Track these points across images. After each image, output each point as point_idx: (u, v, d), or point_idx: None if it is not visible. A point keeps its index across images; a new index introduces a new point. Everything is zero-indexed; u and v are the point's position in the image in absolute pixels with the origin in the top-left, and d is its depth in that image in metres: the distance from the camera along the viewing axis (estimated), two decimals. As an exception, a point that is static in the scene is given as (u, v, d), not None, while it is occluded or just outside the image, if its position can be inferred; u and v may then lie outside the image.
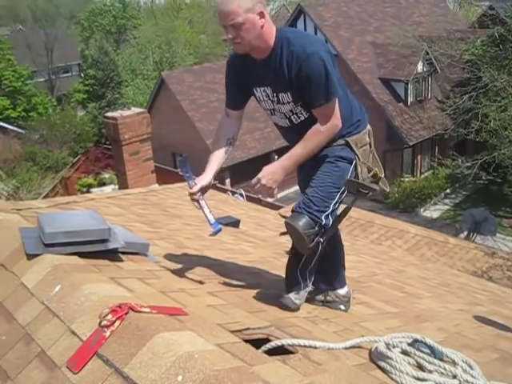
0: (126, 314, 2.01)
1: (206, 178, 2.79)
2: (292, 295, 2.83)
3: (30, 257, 2.62)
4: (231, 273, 3.28)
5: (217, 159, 2.88)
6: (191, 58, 36.90)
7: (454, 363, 2.32)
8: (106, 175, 25.44)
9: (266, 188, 2.63)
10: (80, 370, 1.93)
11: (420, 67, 24.16)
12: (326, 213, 2.65)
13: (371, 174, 2.78)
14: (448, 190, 24.32)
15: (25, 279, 2.51)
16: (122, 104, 27.62)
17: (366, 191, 2.80)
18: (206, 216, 2.75)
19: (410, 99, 24.63)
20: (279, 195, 23.68)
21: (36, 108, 36.58)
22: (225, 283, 3.01)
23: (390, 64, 24.56)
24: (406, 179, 24.15)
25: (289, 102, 2.66)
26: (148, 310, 2.07)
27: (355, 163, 2.77)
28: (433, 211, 23.26)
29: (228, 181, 22.38)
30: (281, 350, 2.19)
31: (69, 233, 2.58)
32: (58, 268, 2.44)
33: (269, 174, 2.62)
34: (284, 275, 3.76)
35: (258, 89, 2.76)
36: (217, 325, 2.19)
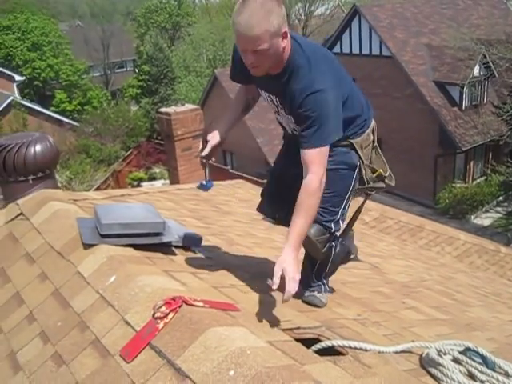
0: (179, 306, 2.04)
1: (217, 135, 2.63)
2: (316, 293, 2.79)
3: (87, 246, 2.68)
4: (281, 271, 3.28)
5: (233, 114, 2.73)
6: (244, 56, 37.02)
7: (507, 375, 2.27)
8: (157, 170, 25.83)
9: (294, 283, 2.15)
10: (133, 360, 1.96)
11: (476, 71, 23.59)
12: (335, 220, 2.58)
13: (375, 174, 2.68)
14: (501, 198, 23.68)
15: (81, 268, 2.58)
16: (174, 100, 28.01)
17: (373, 192, 2.78)
18: (205, 174, 2.78)
19: (465, 103, 24.09)
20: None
21: (91, 102, 37.44)
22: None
23: (445, 67, 24.08)
24: (458, 185, 23.65)
25: (291, 122, 2.49)
26: (201, 304, 2.10)
27: (359, 167, 2.62)
28: (484, 219, 22.70)
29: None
30: (331, 351, 2.18)
31: (125, 225, 2.63)
32: (114, 259, 2.49)
33: (290, 271, 2.14)
34: (332, 276, 3.75)
35: (262, 91, 2.58)
36: (268, 322, 2.20)
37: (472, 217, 22.52)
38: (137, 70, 43.66)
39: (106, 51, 44.32)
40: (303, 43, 2.38)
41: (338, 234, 2.67)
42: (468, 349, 2.38)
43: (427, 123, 23.08)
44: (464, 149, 23.12)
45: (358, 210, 2.92)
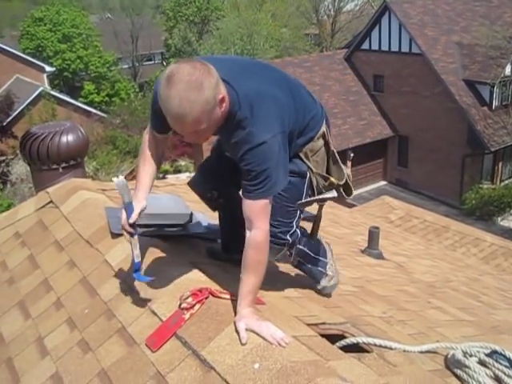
0: (206, 298, 2.05)
1: (141, 202, 2.22)
2: (324, 282, 2.69)
3: (115, 236, 2.71)
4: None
5: (148, 177, 2.31)
6: (272, 52, 36.95)
7: (534, 379, 2.23)
8: (182, 163, 25.95)
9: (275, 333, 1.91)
10: (158, 349, 1.98)
11: (508, 70, 23.18)
12: (291, 232, 2.42)
13: (327, 182, 2.44)
14: (529, 200, 23.30)
15: (108, 257, 2.61)
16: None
17: (325, 202, 2.61)
18: (133, 252, 2.20)
19: (495, 103, 23.71)
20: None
21: (119, 93, 37.74)
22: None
23: (475, 66, 23.73)
24: (485, 186, 23.31)
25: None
26: (227, 296, 2.10)
27: (309, 176, 2.41)
28: (511, 221, 22.37)
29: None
30: (356, 348, 2.17)
31: (152, 215, 2.64)
32: (141, 248, 2.51)
33: (251, 325, 1.91)
34: (357, 273, 3.74)
35: None
36: (293, 317, 2.20)
37: (499, 219, 22.18)
38: (165, 63, 43.85)
39: (134, 44, 44.59)
40: (241, 90, 2.03)
41: (295, 241, 2.47)
42: (495, 351, 2.35)
43: (456, 122, 22.81)
44: (493, 149, 22.78)
45: (318, 218, 2.73)
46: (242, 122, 2.01)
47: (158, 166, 2.36)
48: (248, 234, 2.03)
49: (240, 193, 2.14)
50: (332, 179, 2.45)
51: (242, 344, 1.83)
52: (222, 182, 2.55)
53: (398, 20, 24.30)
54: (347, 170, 2.56)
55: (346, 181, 2.50)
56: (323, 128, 2.42)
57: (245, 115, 2.01)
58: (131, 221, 2.14)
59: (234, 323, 1.93)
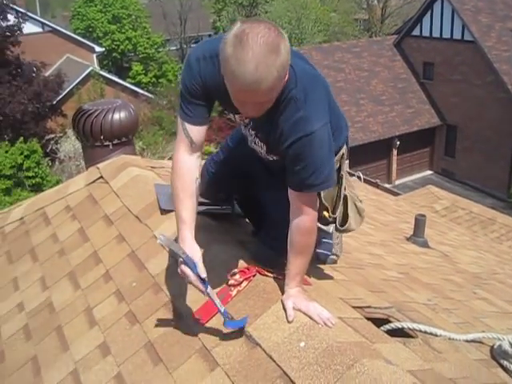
0: (253, 276, 2.07)
1: (195, 248, 1.95)
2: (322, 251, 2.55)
3: (163, 212, 2.75)
4: (352, 250, 3.27)
5: (189, 212, 2.00)
6: (320, 36, 36.58)
7: None
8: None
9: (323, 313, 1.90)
10: (205, 324, 2.01)
11: None
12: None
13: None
14: None
15: (157, 232, 2.64)
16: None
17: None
18: (215, 303, 1.93)
19: (549, 94, 22.99)
20: (397, 182, 23.12)
21: (166, 75, 38.00)
22: (346, 260, 2.99)
23: (531, 54, 23.02)
24: (535, 179, 22.69)
25: (262, 148, 2.09)
26: (274, 275, 2.12)
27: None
28: (561, 216, 21.72)
29: (347, 162, 22.02)
30: (400, 333, 2.16)
31: (200, 193, 2.66)
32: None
33: (299, 305, 1.92)
34: (402, 260, 3.71)
35: (231, 114, 2.07)
36: (339, 299, 2.20)
37: (548, 213, 21.60)
38: (212, 46, 43.79)
39: (183, 26, 44.74)
40: (299, 69, 1.88)
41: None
42: (543, 344, 2.30)
43: (507, 113, 22.17)
44: (545, 142, 22.14)
45: None
46: (295, 102, 1.83)
47: (197, 194, 2.05)
48: (296, 219, 1.95)
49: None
50: (324, 213, 2.25)
51: (289, 322, 1.84)
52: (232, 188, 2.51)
53: (451, 6, 23.67)
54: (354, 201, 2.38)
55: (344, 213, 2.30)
56: (343, 149, 2.25)
57: (299, 96, 1.83)
58: (203, 275, 1.88)
59: (282, 301, 1.94)
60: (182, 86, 2.00)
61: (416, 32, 25.38)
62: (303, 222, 1.94)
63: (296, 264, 1.98)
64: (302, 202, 1.92)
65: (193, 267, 1.87)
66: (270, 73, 1.61)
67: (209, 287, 1.90)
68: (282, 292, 1.98)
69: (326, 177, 1.91)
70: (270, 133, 1.94)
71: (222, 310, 1.90)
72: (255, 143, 2.10)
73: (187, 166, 2.01)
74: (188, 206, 1.99)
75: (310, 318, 1.85)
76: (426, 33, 25.09)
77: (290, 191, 1.94)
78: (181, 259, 1.89)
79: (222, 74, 1.72)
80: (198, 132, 2.00)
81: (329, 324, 1.83)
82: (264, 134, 2.00)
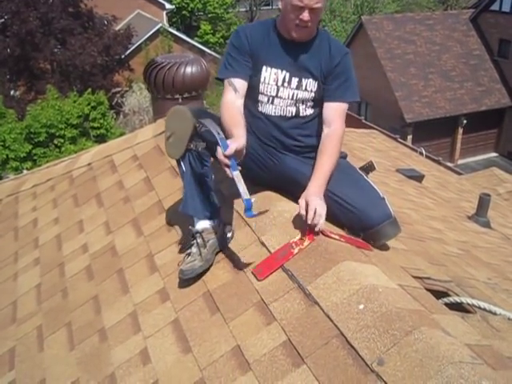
0: (316, 235, 2.08)
1: (241, 139, 2.10)
2: None
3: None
4: (414, 222, 3.23)
5: (241, 116, 2.30)
6: (393, 6, 35.51)
7: None
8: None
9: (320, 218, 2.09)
10: (264, 279, 2.04)
11: None
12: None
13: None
14: None
15: (223, 188, 2.67)
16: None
17: None
18: (238, 189, 1.99)
19: None
20: (459, 162, 22.53)
21: (233, 36, 37.89)
22: (407, 231, 2.96)
23: None
24: None
25: (312, 91, 2.38)
26: (337, 237, 2.12)
27: None
28: None
29: (410, 137, 21.63)
30: (459, 307, 2.14)
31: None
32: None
33: (311, 200, 2.10)
34: (463, 237, 3.64)
35: (268, 69, 2.37)
36: (400, 267, 2.19)
37: None
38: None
39: (253, -14, 44.38)
40: None
41: None
42: None
43: None
44: None
45: None
46: (326, 34, 2.43)
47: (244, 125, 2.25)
48: (330, 129, 2.34)
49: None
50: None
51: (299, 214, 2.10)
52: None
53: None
54: None
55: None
56: None
57: (324, 30, 2.45)
58: (227, 153, 1.97)
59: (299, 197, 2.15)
60: (230, 47, 2.43)
61: (495, 7, 24.26)
62: (335, 131, 2.34)
63: (323, 166, 2.26)
64: (338, 115, 2.37)
65: (225, 147, 2.00)
66: None
67: (237, 172, 2.01)
68: (344, 254, 1.99)
69: (357, 90, 2.43)
70: (321, 60, 2.36)
71: (245, 198, 1.98)
72: (297, 87, 2.38)
73: (234, 105, 2.34)
74: (239, 127, 2.20)
75: (306, 212, 2.06)
76: (506, 8, 23.94)
77: (327, 107, 2.37)
78: (217, 140, 2.03)
79: (268, 28, 2.39)
80: (239, 83, 2.37)
81: (314, 221, 2.04)
82: (314, 66, 2.36)
